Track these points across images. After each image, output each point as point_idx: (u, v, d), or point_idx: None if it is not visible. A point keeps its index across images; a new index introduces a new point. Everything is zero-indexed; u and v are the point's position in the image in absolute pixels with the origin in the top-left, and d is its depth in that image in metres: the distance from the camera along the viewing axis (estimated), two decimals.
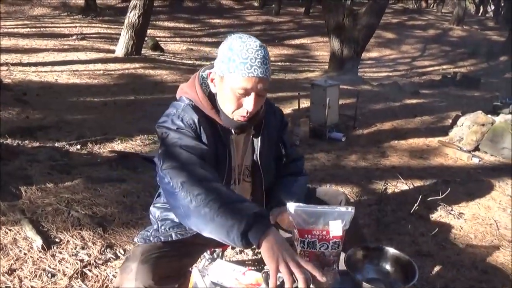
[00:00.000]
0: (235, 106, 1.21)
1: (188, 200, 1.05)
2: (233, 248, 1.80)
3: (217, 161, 1.28)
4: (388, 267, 1.31)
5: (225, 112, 1.24)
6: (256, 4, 19.06)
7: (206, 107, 1.25)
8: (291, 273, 0.95)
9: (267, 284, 1.02)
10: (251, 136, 1.36)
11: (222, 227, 1.00)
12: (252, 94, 1.18)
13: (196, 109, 1.25)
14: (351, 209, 1.18)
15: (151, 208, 1.42)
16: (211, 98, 1.28)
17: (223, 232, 1.00)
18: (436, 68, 13.54)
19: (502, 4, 21.95)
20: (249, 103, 1.20)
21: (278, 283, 0.98)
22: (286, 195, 1.32)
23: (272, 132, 1.40)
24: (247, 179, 1.39)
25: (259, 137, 1.35)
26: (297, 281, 0.95)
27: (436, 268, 2.14)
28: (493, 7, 26.23)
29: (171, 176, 1.11)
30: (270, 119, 1.39)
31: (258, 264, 2.06)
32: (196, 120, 1.22)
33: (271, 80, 1.24)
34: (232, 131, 1.29)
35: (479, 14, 26.36)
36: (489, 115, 4.19)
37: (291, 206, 1.16)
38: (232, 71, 1.16)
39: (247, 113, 1.21)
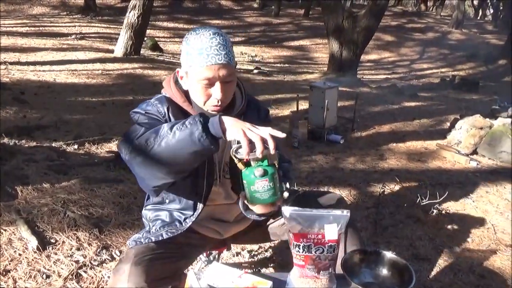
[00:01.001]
0: (204, 97, 1.20)
1: (142, 153, 1.07)
2: (228, 249, 1.79)
3: None
4: (385, 271, 1.30)
5: (196, 103, 1.25)
6: (255, 5, 19.07)
7: (180, 100, 1.25)
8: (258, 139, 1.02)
9: (237, 154, 1.06)
10: None
11: (184, 141, 1.03)
12: (217, 83, 1.18)
13: (170, 102, 1.26)
14: (346, 213, 1.17)
15: (143, 211, 1.42)
16: (188, 95, 1.28)
17: (187, 143, 1.03)
18: (435, 71, 13.57)
19: (501, 8, 22.03)
20: (216, 92, 1.18)
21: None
22: None
23: None
24: (227, 176, 1.36)
25: None
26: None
27: (433, 272, 2.14)
28: (492, 11, 26.32)
29: (123, 146, 1.12)
30: (252, 115, 1.35)
31: (254, 267, 2.05)
32: (165, 109, 1.23)
33: (235, 64, 1.23)
34: None
35: (478, 18, 26.45)
36: (487, 119, 4.19)
37: (287, 210, 1.15)
38: (192, 64, 1.17)
39: (218, 102, 1.20)
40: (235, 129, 1.03)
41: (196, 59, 1.16)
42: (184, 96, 1.26)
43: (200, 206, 1.31)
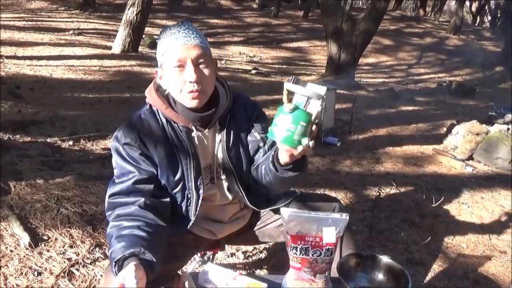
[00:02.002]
0: (180, 83, 1.18)
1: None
2: (222, 250, 1.77)
3: (181, 164, 1.25)
4: (381, 275, 1.29)
5: (176, 98, 1.22)
6: (255, 5, 19.07)
7: (162, 107, 1.23)
8: None
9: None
10: (217, 132, 1.30)
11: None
12: (189, 64, 1.16)
13: (151, 113, 1.25)
14: (345, 216, 1.16)
15: None
16: (169, 99, 1.26)
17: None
18: (432, 76, 13.62)
19: (499, 15, 22.17)
20: (190, 74, 1.16)
21: None
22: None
23: (242, 125, 1.33)
24: (222, 177, 1.34)
25: (225, 131, 1.29)
26: None
27: (428, 277, 2.13)
28: (490, 18, 26.51)
29: (106, 207, 1.23)
30: (239, 112, 1.33)
31: (249, 268, 2.04)
32: (136, 135, 1.22)
33: (210, 52, 1.23)
34: (193, 128, 1.24)
35: (476, 24, 26.61)
36: (483, 125, 4.20)
37: (285, 211, 1.14)
38: (164, 52, 1.18)
39: (194, 87, 1.17)
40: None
41: (167, 45, 1.17)
42: (166, 102, 1.24)
43: (192, 213, 1.30)
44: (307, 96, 1.05)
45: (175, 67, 1.17)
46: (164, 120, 1.24)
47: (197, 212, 1.29)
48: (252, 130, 1.34)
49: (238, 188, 1.33)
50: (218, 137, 1.30)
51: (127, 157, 1.22)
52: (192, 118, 1.23)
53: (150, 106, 1.27)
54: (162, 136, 1.24)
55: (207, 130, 1.27)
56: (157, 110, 1.26)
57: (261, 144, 1.33)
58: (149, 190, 1.21)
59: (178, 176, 1.25)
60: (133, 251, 1.05)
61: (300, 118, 1.02)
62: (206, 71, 1.20)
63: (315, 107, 1.05)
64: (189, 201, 1.28)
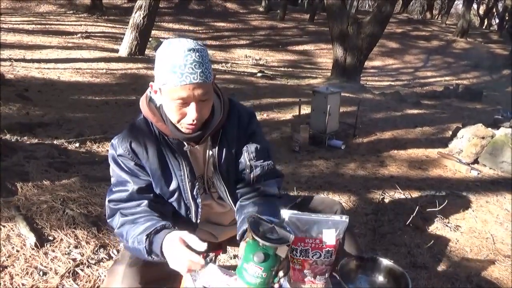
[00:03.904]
0: (178, 116, 1.13)
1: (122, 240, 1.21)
2: (224, 252, 1.78)
3: (175, 175, 1.24)
4: (381, 278, 1.30)
5: (172, 123, 1.18)
6: (261, 9, 19.12)
7: (153, 119, 1.20)
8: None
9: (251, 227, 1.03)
10: (208, 148, 1.27)
11: (140, 255, 1.14)
12: (192, 103, 1.11)
13: (145, 123, 1.23)
14: (345, 218, 1.17)
15: None
16: (161, 112, 1.21)
17: (142, 257, 1.13)
18: (439, 79, 13.56)
19: (507, 18, 22.01)
20: (191, 112, 1.12)
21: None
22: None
23: (234, 141, 1.29)
24: (212, 190, 1.34)
25: (216, 149, 1.26)
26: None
27: (431, 281, 2.12)
28: (497, 21, 26.31)
29: (113, 226, 1.23)
30: (231, 127, 1.28)
31: None
32: (128, 146, 1.20)
33: (213, 78, 1.15)
34: (185, 143, 1.22)
35: (484, 27, 26.44)
36: (489, 128, 4.18)
37: (285, 213, 1.15)
38: (165, 82, 1.09)
39: (193, 121, 1.13)
40: (175, 263, 1.05)
41: (170, 77, 1.07)
42: (158, 114, 1.20)
43: (193, 221, 1.31)
44: (275, 225, 1.04)
45: (177, 102, 1.11)
46: (157, 131, 1.22)
47: (198, 220, 1.31)
48: (244, 151, 1.31)
49: (229, 200, 1.33)
50: (210, 152, 1.27)
51: (124, 166, 1.21)
52: (181, 137, 1.20)
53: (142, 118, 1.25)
54: (155, 147, 1.22)
55: (198, 146, 1.25)
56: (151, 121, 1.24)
57: (247, 171, 1.31)
58: (149, 197, 1.21)
59: (173, 186, 1.25)
60: (164, 224, 1.11)
61: (270, 265, 1.01)
62: (207, 104, 1.16)
63: (283, 251, 1.01)
64: (188, 210, 1.29)
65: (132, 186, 1.20)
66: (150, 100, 1.23)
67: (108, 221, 1.24)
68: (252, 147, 1.31)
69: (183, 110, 1.12)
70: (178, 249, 1.03)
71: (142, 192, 1.21)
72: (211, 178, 1.31)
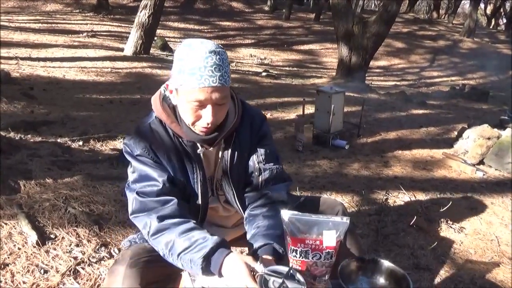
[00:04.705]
0: (193, 118, 1.13)
1: (157, 249, 1.17)
2: None
3: (187, 176, 1.24)
4: (382, 280, 1.28)
5: (186, 124, 1.17)
6: (266, 8, 19.12)
7: (167, 121, 1.18)
8: None
9: (261, 286, 1.02)
10: (221, 150, 1.26)
11: (189, 269, 1.12)
12: (209, 106, 1.10)
13: (160, 124, 1.21)
14: (346, 220, 1.16)
15: None
16: (176, 111, 1.21)
17: (189, 268, 1.11)
18: (445, 79, 13.47)
19: None
20: (207, 115, 1.11)
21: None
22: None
23: (246, 144, 1.29)
24: (220, 192, 1.33)
25: (229, 152, 1.26)
26: None
27: (434, 283, 2.10)
28: (505, 20, 26.09)
29: (139, 225, 1.19)
30: (244, 129, 1.28)
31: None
32: (148, 146, 1.18)
33: (229, 85, 1.13)
34: (199, 146, 1.22)
35: (491, 27, 26.22)
36: (495, 129, 4.13)
37: (285, 213, 1.14)
38: (183, 84, 1.08)
39: (207, 124, 1.13)
40: (234, 285, 1.03)
41: (188, 79, 1.07)
42: (173, 115, 1.19)
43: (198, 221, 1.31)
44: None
45: (193, 104, 1.10)
46: (171, 132, 1.21)
47: (204, 221, 1.32)
48: (254, 155, 1.31)
49: (236, 204, 1.33)
50: (222, 155, 1.27)
51: (148, 162, 1.19)
52: (196, 139, 1.20)
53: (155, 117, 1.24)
54: (172, 148, 1.21)
55: (211, 148, 1.25)
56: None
57: (256, 174, 1.31)
58: (177, 194, 1.19)
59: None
60: (217, 241, 1.10)
61: None
62: (224, 108, 1.16)
63: None
64: (197, 212, 1.30)
65: (162, 179, 1.17)
66: (164, 100, 1.21)
67: (131, 216, 1.19)
68: (261, 150, 1.31)
69: (198, 113, 1.12)
70: (242, 277, 1.03)
71: (170, 187, 1.18)
72: (219, 180, 1.31)
